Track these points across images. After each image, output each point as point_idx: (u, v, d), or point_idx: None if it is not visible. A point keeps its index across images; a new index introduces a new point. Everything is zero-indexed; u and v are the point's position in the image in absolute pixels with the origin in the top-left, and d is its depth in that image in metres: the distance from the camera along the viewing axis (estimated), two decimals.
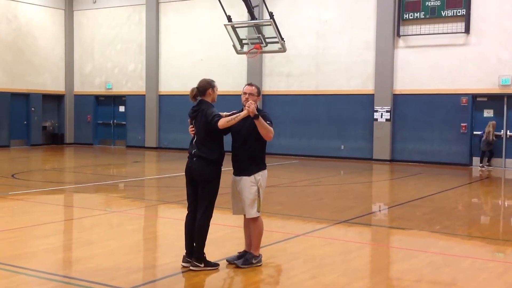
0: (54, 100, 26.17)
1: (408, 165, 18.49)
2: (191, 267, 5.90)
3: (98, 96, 26.03)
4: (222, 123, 5.75)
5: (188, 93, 6.07)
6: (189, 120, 6.13)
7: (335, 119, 20.30)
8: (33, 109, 24.78)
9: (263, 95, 21.33)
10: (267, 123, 5.89)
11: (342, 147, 20.21)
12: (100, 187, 12.74)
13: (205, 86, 6.01)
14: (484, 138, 17.58)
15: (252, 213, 6.01)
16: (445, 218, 9.35)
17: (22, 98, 24.48)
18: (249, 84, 6.15)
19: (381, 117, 19.37)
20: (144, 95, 24.23)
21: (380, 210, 10.79)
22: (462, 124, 18.29)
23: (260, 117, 5.79)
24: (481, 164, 17.82)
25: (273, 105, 21.20)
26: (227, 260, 6.20)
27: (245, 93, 6.04)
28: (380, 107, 19.37)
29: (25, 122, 24.67)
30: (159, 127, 23.95)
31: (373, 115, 19.54)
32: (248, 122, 5.87)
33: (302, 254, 6.82)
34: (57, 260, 6.58)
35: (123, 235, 7.90)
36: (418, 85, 18.91)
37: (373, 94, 19.53)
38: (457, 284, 5.73)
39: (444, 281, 5.84)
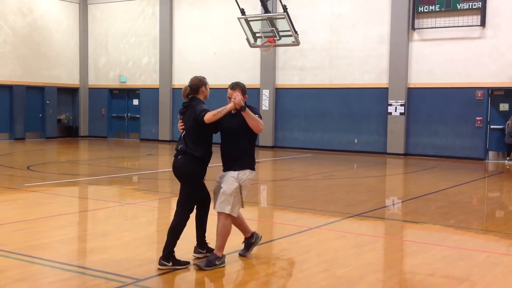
0: (68, 93, 26.35)
1: (422, 159, 18.38)
2: (158, 266, 5.74)
3: (112, 90, 26.16)
4: (208, 116, 5.62)
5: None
6: (179, 115, 6.07)
7: (349, 113, 20.22)
8: (48, 102, 24.97)
9: (276, 89, 21.36)
10: (256, 116, 5.77)
11: (356, 141, 20.13)
12: (114, 180, 12.81)
13: (198, 84, 5.91)
14: (507, 132, 17.37)
15: (225, 208, 5.78)
16: (460, 212, 9.30)
17: (37, 91, 24.67)
18: (231, 88, 5.86)
19: (395, 111, 19.26)
20: (158, 88, 24.30)
21: (393, 204, 10.74)
22: (477, 118, 18.14)
23: (247, 108, 5.66)
24: (508, 158, 17.60)
25: (286, 99, 21.18)
26: (239, 254, 6.24)
27: (229, 98, 5.84)
28: (394, 101, 19.26)
29: (40, 115, 24.87)
30: (173, 121, 24.01)
31: (387, 109, 19.43)
32: (237, 119, 5.75)
33: (315, 247, 6.81)
34: (72, 250, 6.63)
35: (137, 227, 7.95)
36: (433, 79, 18.77)
37: (387, 88, 19.42)
38: (471, 278, 5.70)
39: (458, 275, 5.80)
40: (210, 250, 6.01)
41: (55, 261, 6.00)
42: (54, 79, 25.26)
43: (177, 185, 6.09)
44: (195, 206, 6.09)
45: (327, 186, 12.62)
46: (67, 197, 10.58)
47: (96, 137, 26.18)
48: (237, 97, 5.63)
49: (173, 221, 5.87)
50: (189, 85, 5.95)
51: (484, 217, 9.43)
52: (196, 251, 6.10)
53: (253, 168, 5.94)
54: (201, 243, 6.08)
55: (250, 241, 6.22)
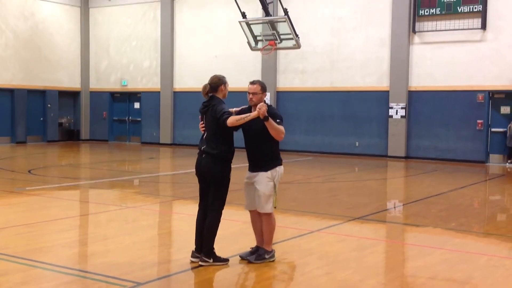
0: (70, 96, 26.38)
1: (423, 162, 18.37)
2: (200, 263, 5.92)
3: (114, 93, 26.18)
4: (231, 121, 5.72)
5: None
6: (200, 116, 6.13)
7: (350, 116, 20.23)
8: (49, 105, 24.99)
9: (277, 92, 21.38)
10: (277, 121, 5.86)
11: (357, 144, 20.14)
12: (115, 183, 12.82)
13: (217, 83, 6.00)
14: (509, 134, 17.36)
15: (267, 208, 6.02)
16: (461, 215, 9.29)
17: (39, 95, 24.70)
18: (252, 83, 6.09)
19: (396, 114, 19.27)
20: (159, 91, 24.33)
21: (394, 207, 10.74)
22: (478, 121, 18.13)
23: (270, 119, 5.78)
24: (509, 161, 17.56)
25: (287, 102, 21.19)
26: (240, 256, 6.21)
27: (249, 93, 6.02)
28: (395, 104, 19.27)
29: (41, 119, 24.89)
30: (174, 124, 24.04)
31: (388, 112, 19.44)
32: (259, 121, 5.83)
33: (316, 250, 6.81)
34: (73, 254, 6.64)
35: (138, 231, 7.95)
36: (434, 82, 18.78)
37: (388, 91, 19.43)
38: (472, 281, 5.69)
39: (459, 278, 5.80)
40: None
41: (56, 265, 6.01)
42: (56, 83, 25.28)
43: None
44: (198, 210, 6.10)
45: (328, 189, 12.62)
46: (68, 200, 10.59)
47: (97, 140, 26.19)
48: (263, 107, 5.73)
49: (207, 219, 5.95)
50: (208, 83, 6.03)
51: (485, 220, 9.42)
52: (193, 255, 6.07)
53: (281, 163, 6.17)
54: (200, 247, 6.04)
55: (264, 256, 6.13)
